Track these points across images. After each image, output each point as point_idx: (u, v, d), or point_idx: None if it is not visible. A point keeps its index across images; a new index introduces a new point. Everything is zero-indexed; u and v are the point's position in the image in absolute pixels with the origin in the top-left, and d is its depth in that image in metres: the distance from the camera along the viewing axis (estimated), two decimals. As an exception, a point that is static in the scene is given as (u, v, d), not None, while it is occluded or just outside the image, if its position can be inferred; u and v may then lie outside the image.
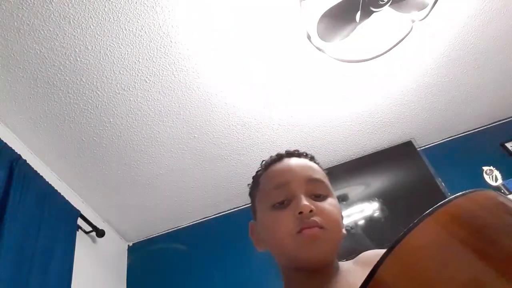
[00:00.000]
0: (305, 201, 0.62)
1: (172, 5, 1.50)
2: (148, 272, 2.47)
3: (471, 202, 0.38)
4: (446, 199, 0.37)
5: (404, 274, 0.33)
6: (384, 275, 0.33)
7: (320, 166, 0.73)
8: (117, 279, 2.38)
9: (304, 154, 0.75)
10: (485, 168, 2.21)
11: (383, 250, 0.34)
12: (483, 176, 2.19)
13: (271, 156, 0.75)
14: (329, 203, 0.65)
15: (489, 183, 2.17)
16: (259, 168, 0.76)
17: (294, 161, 0.71)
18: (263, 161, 0.76)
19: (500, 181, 2.15)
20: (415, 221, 0.35)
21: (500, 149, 2.36)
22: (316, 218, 0.61)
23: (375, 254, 0.67)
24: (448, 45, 1.95)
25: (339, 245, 0.65)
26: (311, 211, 0.61)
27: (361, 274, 0.37)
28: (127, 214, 2.42)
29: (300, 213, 0.61)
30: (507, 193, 2.08)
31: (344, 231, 0.67)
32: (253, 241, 0.74)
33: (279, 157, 0.73)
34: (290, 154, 0.73)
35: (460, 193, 0.38)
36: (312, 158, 0.74)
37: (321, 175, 0.70)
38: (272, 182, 0.69)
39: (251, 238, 0.74)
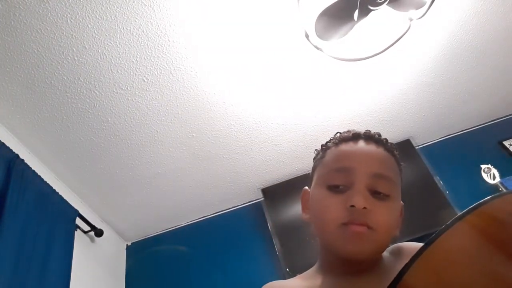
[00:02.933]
0: (361, 196, 0.58)
1: (169, 4, 1.49)
2: (146, 271, 2.47)
3: (506, 204, 0.35)
4: (479, 202, 0.34)
5: (433, 278, 0.32)
6: (412, 279, 0.32)
7: (397, 160, 0.68)
8: (115, 278, 2.38)
9: (384, 142, 0.68)
10: (483, 166, 2.22)
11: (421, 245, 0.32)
12: (481, 174, 2.20)
13: (348, 131, 0.70)
14: (388, 205, 0.60)
15: (487, 182, 2.17)
16: (332, 139, 0.71)
17: (368, 148, 0.65)
18: (337, 132, 0.72)
19: (498, 179, 2.16)
20: (447, 223, 0.33)
21: (498, 147, 2.37)
22: (367, 217, 0.57)
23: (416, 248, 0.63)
24: (445, 44, 1.96)
25: (386, 247, 0.62)
26: (364, 208, 0.57)
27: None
28: (125, 213, 2.42)
29: (352, 206, 0.58)
30: (505, 191, 2.09)
31: (397, 232, 0.63)
32: (301, 206, 0.72)
33: (355, 137, 0.67)
34: (368, 137, 0.67)
35: (492, 195, 0.36)
36: (390, 150, 0.68)
37: (392, 172, 0.64)
38: (337, 162, 0.65)
39: (300, 202, 0.72)
